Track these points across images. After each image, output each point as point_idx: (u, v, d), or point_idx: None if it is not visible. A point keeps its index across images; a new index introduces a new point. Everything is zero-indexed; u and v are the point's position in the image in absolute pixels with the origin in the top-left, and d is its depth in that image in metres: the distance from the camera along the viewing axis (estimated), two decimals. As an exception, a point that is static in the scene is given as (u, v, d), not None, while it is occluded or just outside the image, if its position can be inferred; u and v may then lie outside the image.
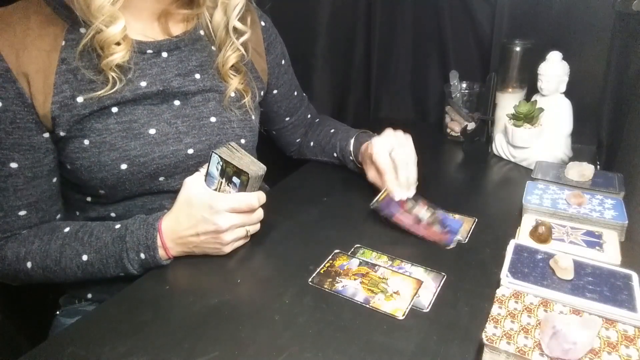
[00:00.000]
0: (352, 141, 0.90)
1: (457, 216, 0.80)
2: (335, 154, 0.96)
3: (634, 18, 0.87)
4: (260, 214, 0.70)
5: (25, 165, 0.65)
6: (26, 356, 0.54)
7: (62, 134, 0.66)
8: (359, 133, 0.92)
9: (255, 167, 0.67)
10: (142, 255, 0.66)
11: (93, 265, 0.66)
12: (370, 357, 0.52)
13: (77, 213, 0.76)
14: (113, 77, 0.65)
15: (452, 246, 0.72)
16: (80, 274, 0.67)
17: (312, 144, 1.01)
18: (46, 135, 0.66)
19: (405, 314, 0.58)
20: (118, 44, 0.65)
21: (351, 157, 0.91)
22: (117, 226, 0.68)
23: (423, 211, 0.77)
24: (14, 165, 0.64)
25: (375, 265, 0.67)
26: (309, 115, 1.02)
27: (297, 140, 1.03)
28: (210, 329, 0.57)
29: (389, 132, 0.81)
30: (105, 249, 0.66)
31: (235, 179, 0.66)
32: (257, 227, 0.72)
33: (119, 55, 0.64)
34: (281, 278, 0.66)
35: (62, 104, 0.64)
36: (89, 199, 0.74)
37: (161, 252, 0.66)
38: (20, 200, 0.67)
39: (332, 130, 0.98)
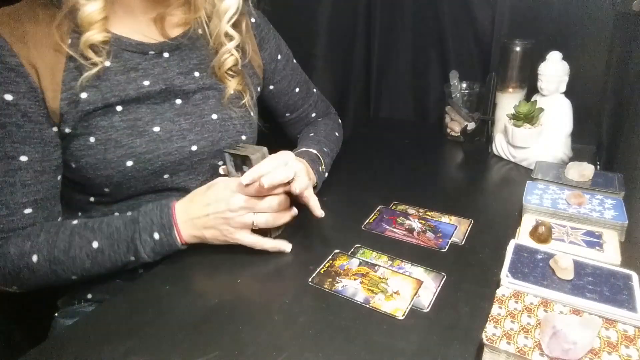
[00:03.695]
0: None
1: (452, 218, 0.80)
2: None
3: (634, 18, 0.87)
4: (269, 204, 0.68)
5: (35, 158, 0.65)
6: (26, 356, 0.54)
7: (67, 130, 0.66)
8: (302, 151, 0.87)
9: (255, 151, 0.70)
10: (156, 236, 0.65)
11: (103, 252, 0.65)
12: (370, 357, 0.52)
13: (80, 214, 0.76)
14: (97, 59, 0.65)
15: (445, 249, 0.72)
16: (89, 264, 0.65)
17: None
18: (54, 129, 0.66)
19: (405, 313, 0.58)
20: (95, 24, 0.66)
21: None
22: (129, 213, 0.68)
23: (415, 222, 0.78)
24: (24, 158, 0.64)
25: (375, 265, 0.67)
26: (313, 114, 1.00)
27: (298, 136, 1.01)
28: (210, 329, 0.57)
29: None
30: (117, 233, 0.65)
31: (245, 168, 0.70)
32: (264, 219, 0.68)
33: (94, 32, 0.65)
34: (281, 278, 0.66)
35: (70, 100, 0.65)
36: (92, 199, 0.74)
37: (176, 232, 0.66)
38: (27, 196, 0.66)
39: (299, 136, 0.97)
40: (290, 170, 0.67)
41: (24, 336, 0.88)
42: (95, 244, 0.65)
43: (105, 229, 0.66)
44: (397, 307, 0.59)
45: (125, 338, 0.55)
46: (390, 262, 0.68)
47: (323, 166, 0.87)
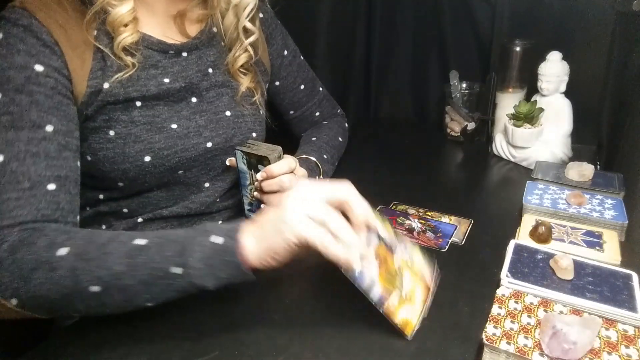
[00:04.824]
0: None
1: (452, 218, 0.80)
2: None
3: (634, 18, 0.87)
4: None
5: (60, 130, 0.62)
6: (26, 356, 0.54)
7: (84, 113, 0.66)
8: (302, 158, 0.87)
9: (271, 151, 0.73)
10: (215, 239, 0.53)
11: (148, 250, 0.52)
12: (370, 357, 0.52)
13: (88, 208, 0.76)
14: (130, 60, 0.67)
15: (445, 249, 0.72)
16: (123, 267, 0.52)
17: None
18: (74, 107, 0.66)
19: (413, 333, 0.55)
20: (126, 25, 0.67)
21: None
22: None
23: (415, 222, 0.78)
24: (49, 128, 0.61)
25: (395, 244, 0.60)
26: (317, 114, 1.00)
27: (303, 135, 1.02)
28: (210, 329, 0.57)
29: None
30: (173, 235, 0.55)
31: (260, 167, 0.73)
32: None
33: (126, 35, 0.66)
34: (281, 278, 0.66)
35: (95, 88, 0.66)
36: (101, 196, 0.74)
37: (240, 235, 0.53)
38: (50, 170, 0.59)
39: (303, 135, 0.98)
40: (294, 178, 0.73)
41: (24, 336, 0.88)
42: (140, 241, 0.53)
43: (161, 232, 0.56)
44: (407, 318, 0.56)
45: (125, 338, 0.55)
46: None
47: (321, 175, 0.87)
